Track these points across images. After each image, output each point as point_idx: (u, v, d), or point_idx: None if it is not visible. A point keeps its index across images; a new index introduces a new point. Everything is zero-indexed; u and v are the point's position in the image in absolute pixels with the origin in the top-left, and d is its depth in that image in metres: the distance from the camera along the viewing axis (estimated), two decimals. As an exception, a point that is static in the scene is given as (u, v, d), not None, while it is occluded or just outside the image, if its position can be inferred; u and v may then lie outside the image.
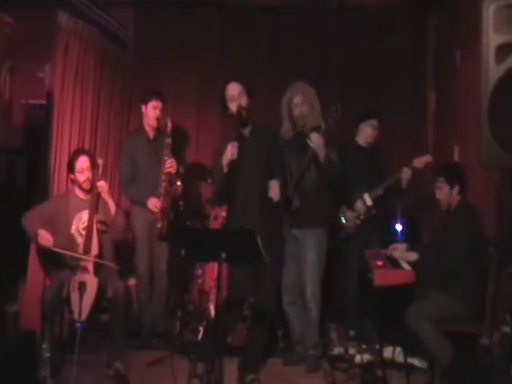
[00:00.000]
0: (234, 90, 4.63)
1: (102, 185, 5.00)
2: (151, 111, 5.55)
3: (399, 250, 4.63)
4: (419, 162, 5.27)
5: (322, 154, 4.71)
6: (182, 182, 5.51)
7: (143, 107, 5.60)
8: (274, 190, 4.59)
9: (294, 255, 5.00)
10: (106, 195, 5.05)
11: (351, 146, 5.69)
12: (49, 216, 4.94)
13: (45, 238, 4.75)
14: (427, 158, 5.27)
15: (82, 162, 4.99)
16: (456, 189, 4.49)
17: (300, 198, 4.85)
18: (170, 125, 5.45)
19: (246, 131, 4.66)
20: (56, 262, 4.93)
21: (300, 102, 4.95)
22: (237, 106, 4.57)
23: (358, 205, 5.46)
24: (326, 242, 5.00)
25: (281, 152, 4.79)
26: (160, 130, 5.59)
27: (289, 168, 4.90)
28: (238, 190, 4.57)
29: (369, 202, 5.46)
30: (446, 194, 4.53)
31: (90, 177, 5.00)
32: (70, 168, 5.06)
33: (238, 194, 4.58)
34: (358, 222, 5.49)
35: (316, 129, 4.77)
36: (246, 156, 4.51)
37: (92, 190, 5.02)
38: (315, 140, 4.69)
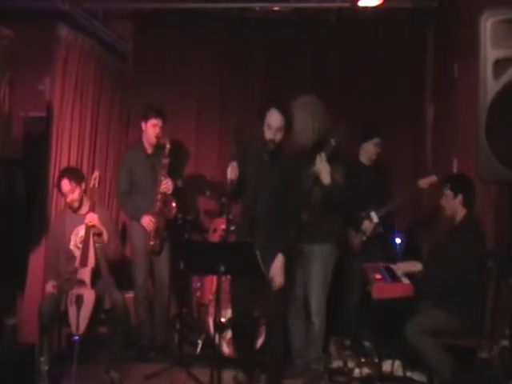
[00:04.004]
0: (276, 121, 4.31)
1: (91, 217, 4.94)
2: (151, 129, 5.52)
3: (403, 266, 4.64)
4: (424, 182, 5.33)
5: (326, 178, 4.66)
6: (176, 206, 5.52)
7: (143, 124, 5.58)
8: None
9: (299, 268, 4.98)
10: (98, 224, 4.98)
11: (356, 165, 5.71)
12: (55, 244, 5.06)
13: (48, 289, 4.90)
14: (432, 179, 5.30)
15: (63, 186, 5.01)
16: (459, 198, 4.47)
17: (308, 213, 4.82)
18: (168, 146, 5.44)
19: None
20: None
21: (297, 131, 4.79)
22: (269, 139, 4.33)
23: (365, 224, 5.49)
24: (334, 257, 4.99)
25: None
26: (159, 146, 5.57)
27: None
28: (252, 204, 4.50)
29: (375, 220, 5.50)
30: (449, 201, 4.53)
31: (76, 197, 5.02)
32: (59, 189, 5.10)
33: (252, 209, 4.51)
34: (364, 238, 5.52)
35: (324, 147, 4.72)
36: (263, 177, 4.43)
37: (82, 205, 5.07)
38: (319, 165, 4.65)
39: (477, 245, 4.35)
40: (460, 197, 4.48)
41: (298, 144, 4.85)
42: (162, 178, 5.44)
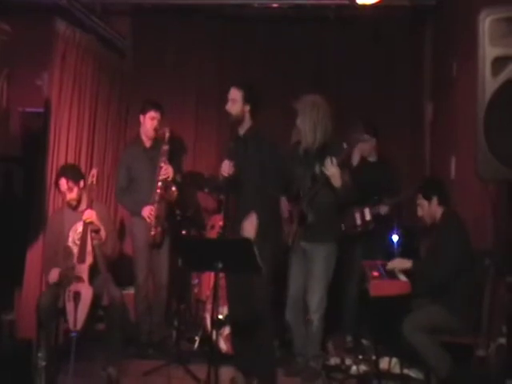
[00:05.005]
0: (230, 94, 4.70)
1: (88, 214, 4.93)
2: (149, 122, 5.54)
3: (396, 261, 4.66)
4: None
5: (337, 182, 4.66)
6: (177, 189, 5.50)
7: (141, 117, 5.60)
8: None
9: (300, 267, 4.98)
10: (96, 222, 4.96)
11: (359, 161, 5.75)
12: (53, 240, 5.04)
13: (52, 277, 4.86)
14: None
15: (61, 185, 5.02)
16: (434, 201, 4.56)
17: (314, 214, 4.82)
18: (167, 134, 5.45)
19: (241, 131, 4.69)
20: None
21: (299, 123, 4.85)
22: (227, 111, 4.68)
23: (356, 217, 5.49)
24: (334, 256, 4.97)
25: (279, 163, 4.74)
26: (157, 140, 5.58)
27: (302, 182, 4.87)
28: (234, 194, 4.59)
29: (367, 217, 5.51)
30: (426, 209, 4.61)
31: (74, 196, 5.01)
32: (57, 187, 5.11)
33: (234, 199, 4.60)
34: (354, 231, 5.52)
35: (333, 151, 4.71)
36: (239, 159, 4.54)
37: (80, 204, 5.06)
38: (329, 169, 4.65)
39: (458, 237, 4.41)
40: (435, 198, 4.56)
41: (305, 142, 4.86)
42: (162, 165, 5.42)
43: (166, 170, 5.43)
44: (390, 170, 5.90)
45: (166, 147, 5.46)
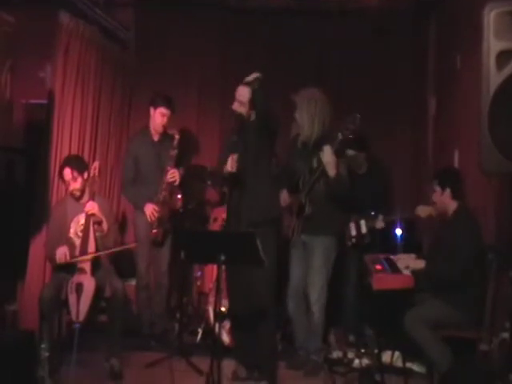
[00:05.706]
0: (239, 95, 4.64)
1: (90, 206, 4.91)
2: (159, 117, 5.54)
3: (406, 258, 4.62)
4: (423, 211, 5.10)
5: (332, 171, 4.68)
6: (182, 197, 5.53)
7: (152, 110, 5.58)
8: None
9: (301, 260, 4.99)
10: (98, 213, 4.94)
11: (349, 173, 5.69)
12: (55, 230, 5.01)
13: (61, 255, 4.79)
14: (430, 211, 5.00)
15: (65, 174, 5.00)
16: (447, 192, 4.48)
17: (312, 206, 4.83)
18: (177, 137, 5.46)
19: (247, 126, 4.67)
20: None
21: (297, 117, 4.91)
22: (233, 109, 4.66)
23: (351, 227, 5.39)
24: (334, 250, 4.97)
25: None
26: (165, 134, 5.59)
27: (302, 174, 4.88)
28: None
29: (363, 230, 5.37)
30: (438, 196, 4.54)
31: (78, 186, 4.99)
32: (61, 177, 5.09)
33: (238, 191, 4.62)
34: (349, 243, 5.40)
35: (330, 140, 4.72)
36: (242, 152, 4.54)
37: (83, 196, 5.04)
38: (325, 157, 4.66)
39: (472, 236, 4.34)
40: (448, 190, 4.48)
41: (303, 135, 4.88)
42: (169, 168, 5.44)
43: (173, 174, 5.45)
44: (380, 177, 5.85)
45: (174, 152, 5.48)
